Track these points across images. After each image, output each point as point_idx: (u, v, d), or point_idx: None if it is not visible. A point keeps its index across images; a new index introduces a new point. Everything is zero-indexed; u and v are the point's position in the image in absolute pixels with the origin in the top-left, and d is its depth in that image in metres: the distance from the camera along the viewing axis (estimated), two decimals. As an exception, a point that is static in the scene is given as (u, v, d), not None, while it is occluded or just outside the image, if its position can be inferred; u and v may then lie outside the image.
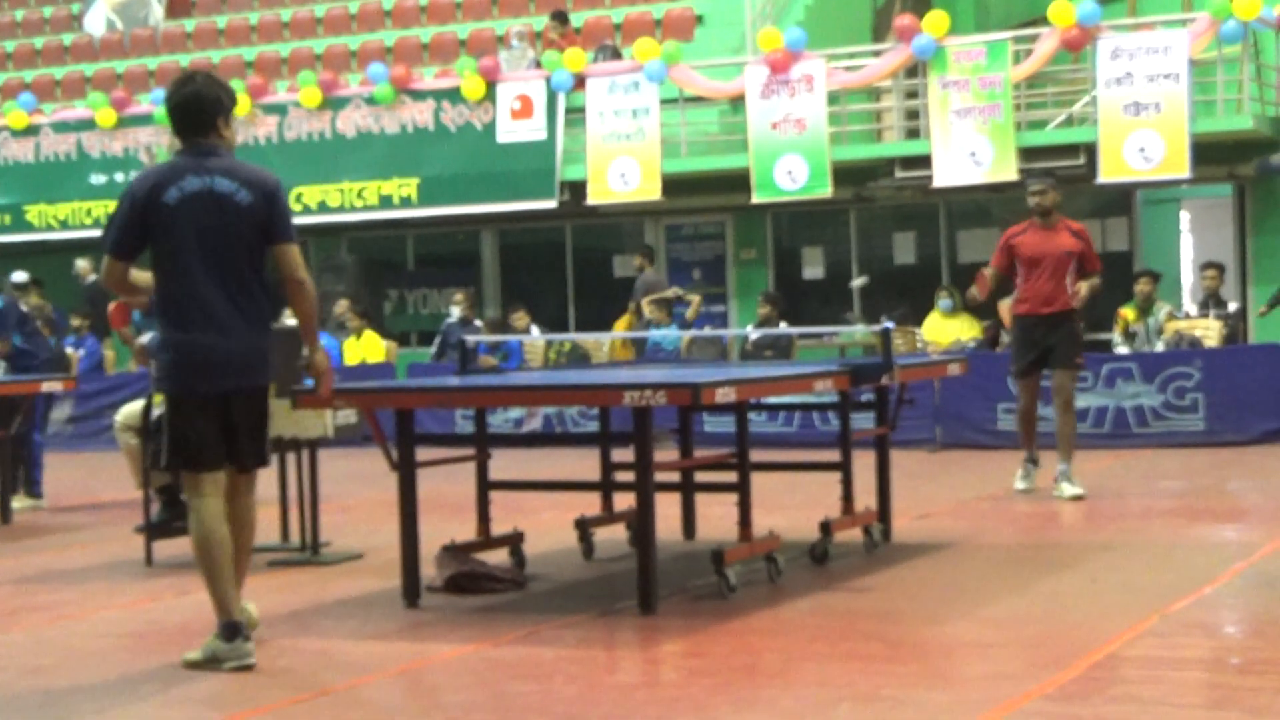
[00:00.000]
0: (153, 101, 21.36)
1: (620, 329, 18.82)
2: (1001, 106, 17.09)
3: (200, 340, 6.38)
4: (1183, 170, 16.46)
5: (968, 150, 17.18)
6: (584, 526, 9.01)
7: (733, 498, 7.92)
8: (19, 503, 12.20)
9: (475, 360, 12.78)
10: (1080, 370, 11.21)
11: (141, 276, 6.78)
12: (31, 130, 21.94)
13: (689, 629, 6.91)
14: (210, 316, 6.37)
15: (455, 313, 18.95)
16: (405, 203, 19.94)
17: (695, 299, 18.66)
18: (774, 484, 9.80)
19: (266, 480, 9.61)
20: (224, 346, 6.39)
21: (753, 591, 7.68)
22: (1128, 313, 16.34)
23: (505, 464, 9.30)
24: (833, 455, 8.93)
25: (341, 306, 19.54)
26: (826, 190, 17.84)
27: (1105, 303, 14.83)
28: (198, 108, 6.59)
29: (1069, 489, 10.74)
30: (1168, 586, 7.49)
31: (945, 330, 17.53)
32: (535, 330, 18.32)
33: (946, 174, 17.35)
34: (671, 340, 17.14)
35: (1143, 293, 16.54)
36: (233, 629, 6.27)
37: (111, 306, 9.19)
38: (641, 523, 7.24)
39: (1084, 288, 10.82)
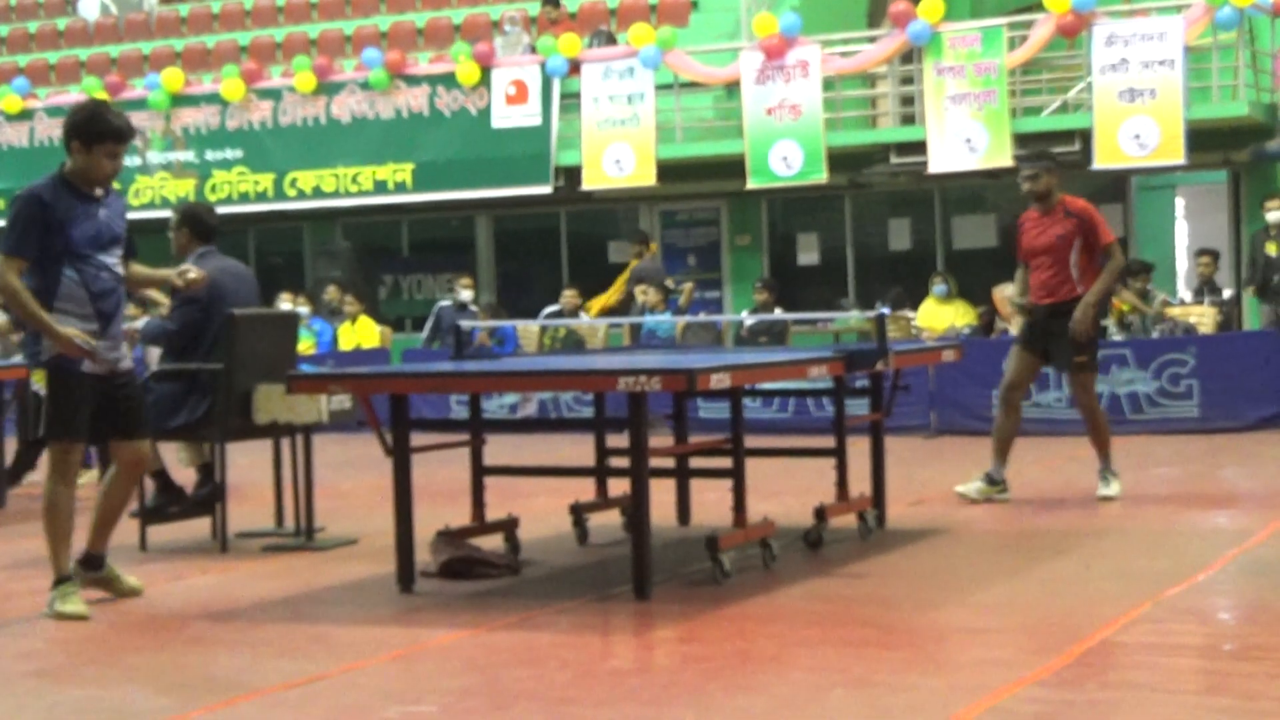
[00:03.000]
0: (147, 86, 21.36)
1: (596, 305, 18.82)
2: (997, 92, 17.08)
3: None
4: (1178, 157, 16.46)
5: (963, 136, 17.18)
6: (579, 512, 9.01)
7: (727, 483, 7.91)
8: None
9: (471, 345, 12.78)
10: (1084, 371, 10.17)
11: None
12: (25, 115, 21.91)
13: (683, 614, 6.91)
14: None
15: (465, 296, 18.86)
16: (400, 188, 19.92)
17: (687, 286, 18.65)
18: (769, 470, 9.80)
19: (261, 465, 9.66)
20: None
21: (747, 577, 7.68)
22: (1122, 304, 16.36)
23: (500, 449, 9.31)
24: (827, 441, 8.92)
25: (331, 293, 19.54)
26: (821, 176, 17.83)
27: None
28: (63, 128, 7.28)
29: (1101, 488, 10.10)
30: (1161, 573, 7.50)
31: (940, 316, 17.53)
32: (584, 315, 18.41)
33: (941, 160, 17.35)
34: (666, 326, 17.14)
35: (1139, 289, 16.55)
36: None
37: None
38: (636, 508, 7.24)
39: (1093, 290, 9.96)
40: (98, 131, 7.11)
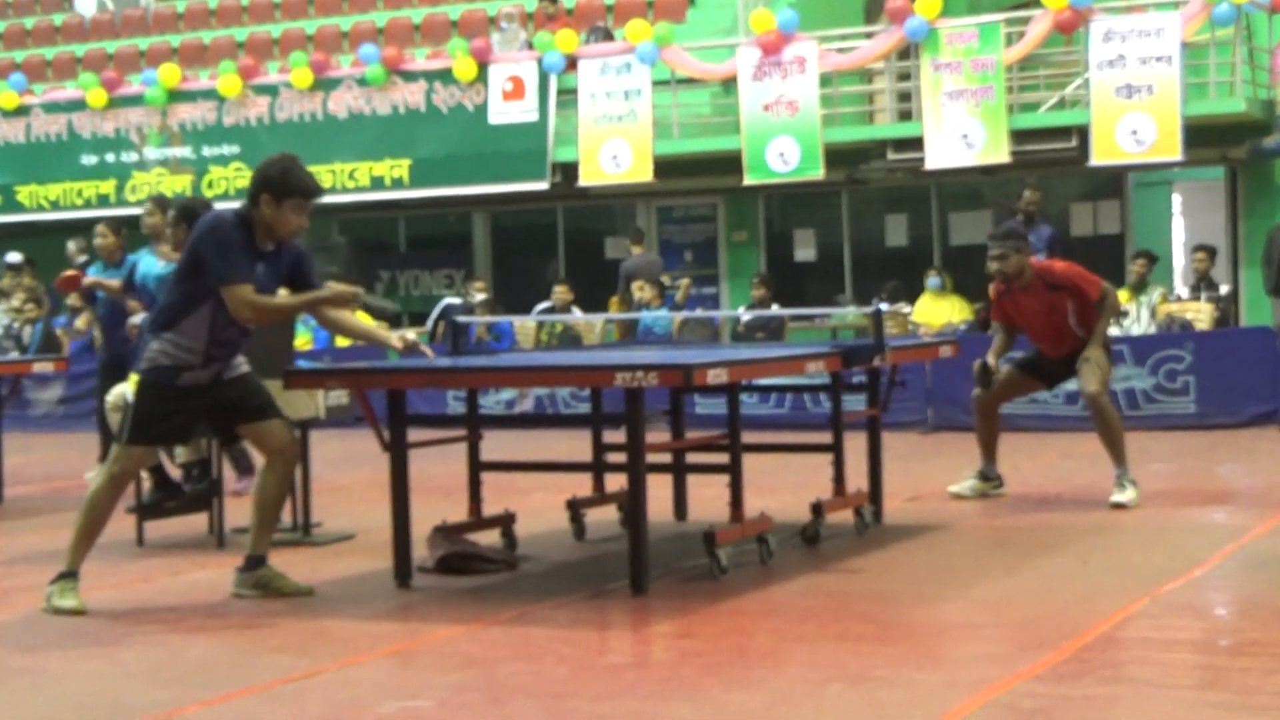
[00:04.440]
0: (144, 82, 21.34)
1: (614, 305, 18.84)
2: (994, 89, 17.08)
3: None
4: (1175, 153, 16.46)
5: (960, 133, 17.18)
6: (575, 507, 9.02)
7: (724, 479, 7.91)
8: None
9: (468, 340, 12.77)
10: (1093, 362, 9.77)
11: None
12: (22, 111, 21.90)
13: (680, 610, 6.92)
14: None
15: (479, 298, 18.76)
16: (397, 184, 19.92)
17: (684, 282, 18.64)
18: (765, 465, 9.81)
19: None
20: None
21: (744, 573, 7.68)
22: (1120, 295, 16.35)
23: (497, 445, 9.30)
24: (824, 437, 8.93)
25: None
26: (818, 172, 17.83)
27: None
28: (251, 180, 7.26)
29: (1116, 495, 9.66)
30: (1158, 568, 7.50)
31: (936, 312, 17.54)
32: (576, 310, 18.41)
33: (938, 156, 17.35)
34: (663, 322, 17.14)
35: (1137, 273, 16.56)
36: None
37: (68, 274, 9.40)
38: (633, 504, 7.24)
39: (1097, 334, 9.78)
40: (290, 188, 7.10)
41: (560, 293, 18.61)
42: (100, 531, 7.31)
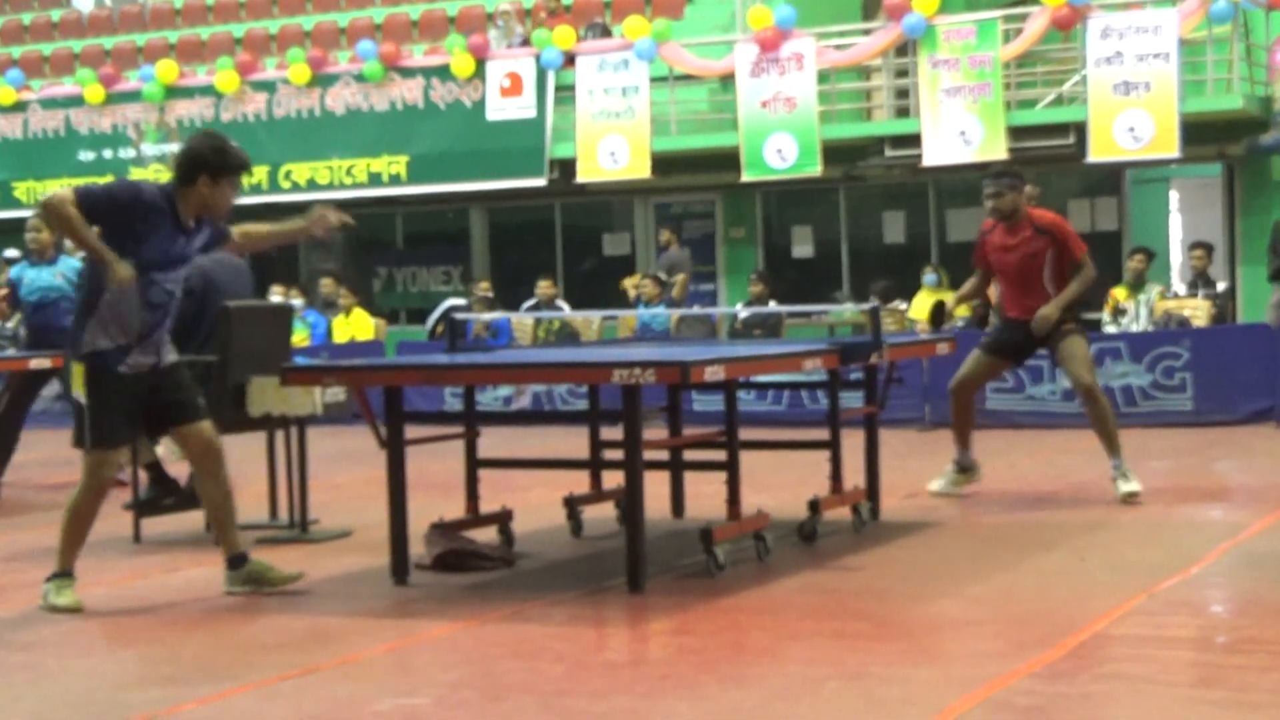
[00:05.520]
0: (141, 78, 21.34)
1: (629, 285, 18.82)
2: (991, 85, 17.09)
3: None
4: (1172, 150, 16.48)
5: (957, 129, 17.19)
6: (572, 504, 9.02)
7: (721, 476, 7.92)
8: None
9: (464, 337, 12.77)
10: (1073, 336, 9.77)
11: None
12: (19, 107, 21.91)
13: (677, 607, 6.92)
14: None
15: (485, 298, 18.72)
16: (394, 180, 19.93)
17: (681, 278, 18.64)
18: (763, 463, 9.81)
19: (256, 458, 9.65)
20: None
21: (741, 570, 7.68)
22: (1118, 291, 16.37)
23: (494, 442, 9.30)
24: (821, 434, 8.93)
25: (327, 285, 19.52)
26: (816, 169, 17.84)
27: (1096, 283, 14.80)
28: (181, 160, 7.17)
29: (1122, 486, 9.65)
30: (1155, 565, 7.51)
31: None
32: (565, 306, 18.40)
33: (936, 153, 17.36)
34: (661, 319, 17.14)
35: (1135, 270, 16.57)
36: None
37: None
38: (630, 501, 7.24)
39: (1048, 311, 9.66)
40: (228, 165, 7.11)
41: (544, 288, 18.58)
42: (86, 534, 7.28)
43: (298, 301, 18.59)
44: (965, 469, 10.26)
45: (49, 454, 13.62)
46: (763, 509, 8.11)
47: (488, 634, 6.53)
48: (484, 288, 19.08)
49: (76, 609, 7.10)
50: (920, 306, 17.66)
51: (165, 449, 9.52)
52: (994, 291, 10.51)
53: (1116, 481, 9.72)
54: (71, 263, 11.75)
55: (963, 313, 11.81)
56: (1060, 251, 9.78)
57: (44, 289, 11.88)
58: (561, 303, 19.11)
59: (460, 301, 19.01)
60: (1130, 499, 9.57)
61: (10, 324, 16.98)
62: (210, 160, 7.08)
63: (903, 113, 18.69)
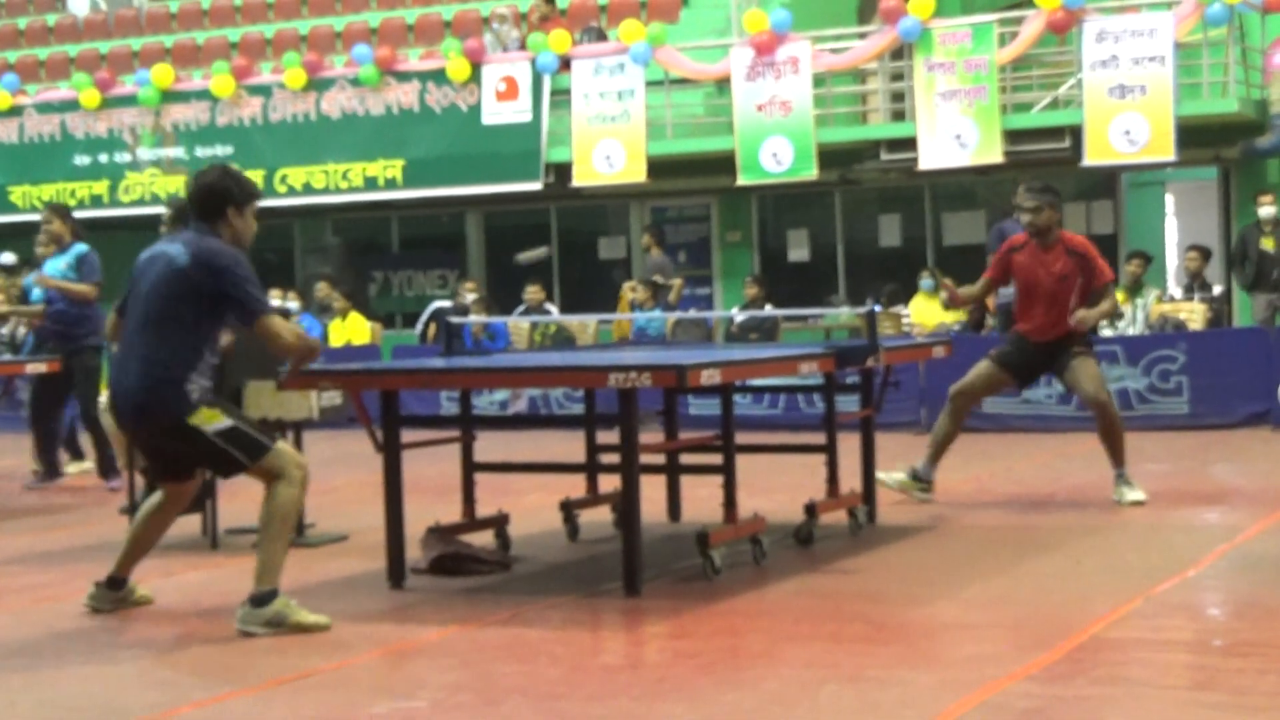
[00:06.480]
0: (137, 83, 21.33)
1: (623, 305, 18.81)
2: (987, 89, 17.10)
3: (112, 378, 7.10)
4: (1168, 153, 16.48)
5: (953, 133, 17.19)
6: (569, 508, 9.01)
7: (718, 480, 7.92)
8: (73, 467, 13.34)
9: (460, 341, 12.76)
10: (1084, 357, 9.80)
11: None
12: (15, 111, 21.88)
13: (674, 610, 6.92)
14: (121, 360, 6.95)
15: (469, 299, 18.73)
16: (390, 184, 19.91)
17: (677, 282, 18.63)
18: (759, 466, 9.80)
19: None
20: (121, 387, 6.90)
21: (737, 573, 7.68)
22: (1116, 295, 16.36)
23: (490, 446, 9.30)
24: (818, 438, 8.93)
25: (322, 289, 19.52)
26: (812, 172, 17.84)
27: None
28: (205, 197, 6.95)
29: (1128, 493, 9.66)
30: (1152, 568, 7.51)
31: (930, 312, 17.55)
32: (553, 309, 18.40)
33: (932, 156, 17.36)
34: (657, 323, 17.14)
35: (1133, 274, 16.57)
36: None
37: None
38: (626, 505, 7.24)
39: (1089, 314, 9.67)
40: (248, 193, 6.99)
41: (532, 293, 18.56)
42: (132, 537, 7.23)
43: (294, 305, 18.58)
44: (919, 479, 10.06)
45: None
46: (759, 512, 8.11)
47: (484, 637, 6.53)
48: (470, 287, 19.08)
49: (323, 626, 6.73)
50: (920, 311, 17.68)
51: None
52: (991, 301, 10.45)
53: (1120, 488, 9.72)
54: (77, 249, 12.21)
55: (959, 316, 11.83)
56: (1087, 277, 9.75)
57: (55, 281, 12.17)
58: (550, 306, 19.10)
59: (447, 304, 19.01)
60: (1137, 504, 9.59)
61: (4, 329, 16.98)
62: (234, 191, 6.94)
63: (898, 116, 18.69)
